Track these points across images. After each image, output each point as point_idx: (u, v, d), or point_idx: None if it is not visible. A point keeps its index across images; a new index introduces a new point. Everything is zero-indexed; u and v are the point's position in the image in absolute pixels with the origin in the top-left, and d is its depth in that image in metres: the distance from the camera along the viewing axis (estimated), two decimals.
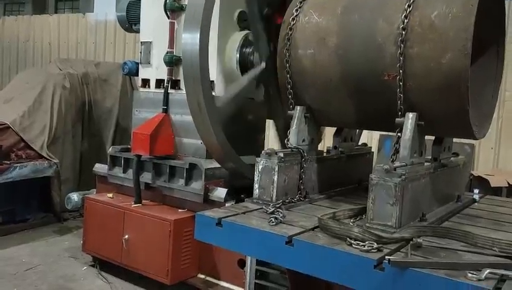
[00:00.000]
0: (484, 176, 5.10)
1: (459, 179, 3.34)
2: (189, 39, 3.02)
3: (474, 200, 3.41)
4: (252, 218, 2.55)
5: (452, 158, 3.21)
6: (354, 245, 2.08)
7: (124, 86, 6.60)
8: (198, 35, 2.96)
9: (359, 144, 3.84)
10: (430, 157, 2.94)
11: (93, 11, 9.31)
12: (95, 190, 4.62)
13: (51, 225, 5.75)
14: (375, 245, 2.06)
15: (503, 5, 2.92)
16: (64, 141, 5.94)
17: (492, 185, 4.94)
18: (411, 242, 2.16)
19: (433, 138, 2.97)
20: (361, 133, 3.81)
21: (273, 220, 2.42)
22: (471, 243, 2.23)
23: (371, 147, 4.02)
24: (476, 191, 3.67)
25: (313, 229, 2.37)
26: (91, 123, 6.40)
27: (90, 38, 8.80)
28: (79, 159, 6.20)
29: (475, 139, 2.81)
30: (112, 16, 8.35)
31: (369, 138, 5.78)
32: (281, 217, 2.48)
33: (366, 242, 2.08)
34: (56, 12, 18.32)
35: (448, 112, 2.57)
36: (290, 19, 3.02)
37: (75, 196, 4.69)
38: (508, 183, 5.00)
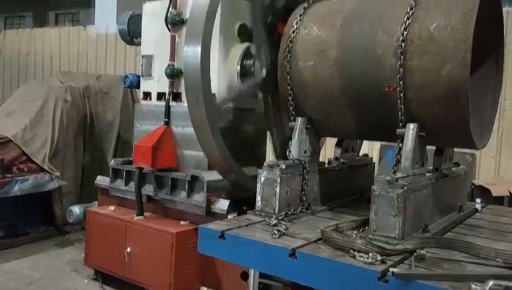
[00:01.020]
0: (486, 186, 5.10)
1: (460, 189, 3.34)
2: (191, 52, 3.04)
3: (476, 210, 3.41)
4: (255, 230, 2.55)
5: (453, 168, 3.22)
6: (357, 257, 2.08)
7: (125, 99, 6.63)
8: (200, 48, 2.99)
9: (360, 154, 3.85)
10: (431, 167, 2.96)
11: (93, 24, 9.36)
12: (96, 202, 4.62)
13: (53, 238, 5.74)
14: (379, 257, 2.06)
15: (502, 15, 2.95)
16: (65, 153, 5.95)
17: (494, 195, 4.94)
18: (414, 254, 2.16)
19: (434, 147, 2.98)
20: (361, 143, 3.82)
21: (276, 232, 2.42)
22: (474, 254, 2.23)
23: (372, 158, 4.03)
24: (478, 200, 3.68)
25: (316, 241, 2.37)
26: (92, 136, 6.42)
27: (91, 51, 8.86)
28: (80, 171, 6.21)
29: (476, 149, 2.82)
30: (112, 29, 8.40)
31: (370, 148, 5.79)
32: (284, 229, 2.49)
33: (370, 254, 2.08)
34: (56, 25, 18.46)
35: (449, 122, 2.58)
36: (291, 32, 3.06)
37: (76, 209, 4.69)
38: (510, 192, 4.99)
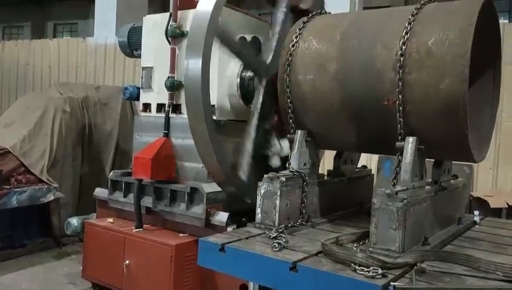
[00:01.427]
0: (483, 197, 5.13)
1: (459, 202, 3.36)
2: (192, 65, 3.06)
3: (475, 223, 3.43)
4: (255, 243, 2.56)
5: (452, 181, 3.23)
6: (358, 271, 2.09)
7: (124, 110, 6.64)
8: (201, 61, 3.01)
9: (359, 166, 3.87)
10: (430, 180, 2.97)
11: (92, 35, 9.39)
12: (94, 214, 4.60)
13: (50, 250, 5.70)
14: (380, 271, 2.06)
15: (499, 29, 2.99)
16: (64, 164, 5.94)
17: (492, 206, 4.96)
18: (415, 267, 2.16)
19: (432, 159, 3.00)
20: (360, 155, 3.84)
21: (276, 245, 2.43)
22: (475, 267, 2.24)
23: (371, 169, 4.04)
24: (476, 213, 3.69)
25: (316, 254, 2.38)
26: (91, 146, 6.41)
27: (90, 62, 8.89)
28: (78, 182, 6.20)
29: (474, 162, 2.84)
30: (111, 40, 8.45)
31: (368, 159, 5.81)
32: (284, 242, 2.49)
33: (371, 268, 2.09)
34: (55, 36, 18.53)
35: (448, 136, 2.61)
36: (290, 45, 3.09)
37: (74, 221, 4.66)
38: (508, 204, 5.01)
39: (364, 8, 6.87)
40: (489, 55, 3.04)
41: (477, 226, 3.37)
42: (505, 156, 5.59)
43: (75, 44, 9.18)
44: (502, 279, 2.09)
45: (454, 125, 2.54)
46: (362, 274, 2.06)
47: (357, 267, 2.11)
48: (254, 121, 3.34)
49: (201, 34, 3.06)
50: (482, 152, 2.90)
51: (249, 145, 3.27)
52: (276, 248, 2.40)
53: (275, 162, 3.56)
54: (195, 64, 3.06)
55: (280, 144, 3.57)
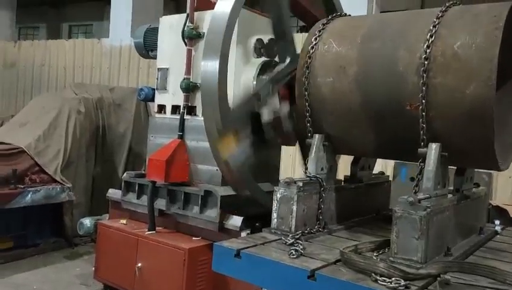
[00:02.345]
0: (503, 206, 4.99)
1: (481, 211, 3.27)
2: (209, 66, 3.02)
3: (497, 232, 3.33)
4: (271, 249, 2.49)
5: (474, 189, 3.14)
6: (379, 281, 2.01)
7: (138, 111, 6.64)
8: (218, 62, 2.97)
9: (374, 172, 3.79)
10: (451, 188, 2.89)
11: (106, 36, 9.44)
12: (107, 215, 4.58)
13: (62, 250, 5.70)
14: (402, 282, 1.99)
15: None
16: (77, 165, 5.95)
17: (511, 216, 4.82)
18: (439, 279, 2.08)
19: (453, 167, 2.91)
20: (376, 161, 3.76)
21: (293, 252, 2.36)
22: (500, 280, 2.15)
23: (388, 176, 3.96)
24: (497, 222, 3.59)
25: (335, 262, 2.31)
26: (104, 147, 6.41)
27: (104, 63, 8.92)
28: (91, 183, 6.20)
29: (499, 170, 2.74)
30: (126, 42, 8.48)
31: (384, 165, 5.71)
32: (301, 249, 2.42)
33: (393, 279, 2.01)
34: (70, 37, 18.72)
35: (473, 143, 2.52)
36: (309, 47, 3.03)
37: (87, 221, 4.64)
38: None
39: (382, 13, 6.78)
40: None
41: (498, 236, 3.26)
42: None
43: (90, 45, 9.22)
44: None
45: (479, 132, 2.45)
46: (384, 285, 1.98)
47: (378, 277, 2.04)
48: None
49: (220, 35, 3.02)
50: (507, 160, 2.80)
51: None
52: (293, 255, 2.34)
53: (265, 116, 3.41)
54: (212, 66, 3.02)
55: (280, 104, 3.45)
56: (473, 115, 2.42)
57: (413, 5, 11.42)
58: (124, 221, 4.12)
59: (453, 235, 2.64)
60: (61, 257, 5.51)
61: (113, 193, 4.41)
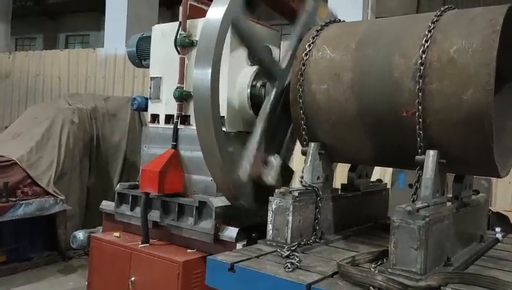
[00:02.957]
0: (503, 213, 4.92)
1: (481, 218, 3.20)
2: (201, 75, 2.96)
3: (498, 240, 3.26)
4: (266, 262, 2.42)
5: (473, 196, 3.08)
6: None
7: (133, 121, 6.58)
8: (210, 70, 2.91)
9: (372, 179, 3.72)
10: (450, 195, 2.82)
11: (103, 46, 9.42)
12: (101, 227, 4.49)
13: (56, 263, 5.60)
14: None
15: None
16: (71, 176, 5.87)
17: None
18: None
19: (452, 174, 2.85)
20: (373, 168, 3.70)
21: (289, 265, 2.29)
22: None
23: (386, 183, 3.90)
24: (498, 229, 3.52)
25: (332, 275, 2.24)
26: (99, 158, 6.34)
27: (99, 73, 8.87)
28: (85, 194, 6.12)
29: (499, 177, 2.68)
30: (121, 51, 8.44)
31: (382, 172, 5.65)
32: (297, 261, 2.35)
33: None
34: (67, 48, 18.70)
35: (471, 149, 2.46)
36: (303, 54, 2.98)
37: (80, 235, 4.54)
38: None
39: (377, 18, 6.76)
40: (511, 64, 2.89)
41: (500, 244, 3.20)
42: None
43: (85, 55, 9.18)
44: None
45: (478, 138, 2.40)
46: None
47: None
48: (260, 124, 3.24)
49: (212, 42, 2.96)
50: (506, 166, 2.75)
51: (252, 146, 3.16)
52: (288, 268, 2.27)
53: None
54: (204, 74, 2.95)
55: None
56: (471, 121, 2.37)
57: (409, 11, 11.45)
58: (117, 234, 4.03)
59: (452, 244, 2.57)
60: (54, 271, 5.42)
61: (107, 205, 4.32)
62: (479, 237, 3.07)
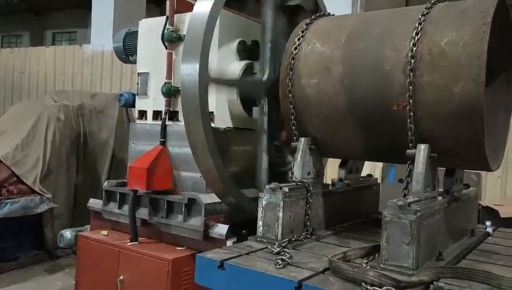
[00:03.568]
0: (493, 206, 4.94)
1: (471, 212, 3.19)
2: (189, 69, 2.91)
3: (488, 234, 3.26)
4: (256, 259, 2.38)
5: (464, 190, 3.07)
6: None
7: (121, 117, 6.49)
8: (198, 65, 2.85)
9: (362, 174, 3.70)
10: (441, 189, 2.80)
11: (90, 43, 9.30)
12: (89, 226, 4.42)
13: (43, 263, 5.51)
14: None
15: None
16: (57, 174, 5.77)
17: (502, 216, 4.77)
18: (432, 286, 1.98)
19: (443, 168, 2.83)
20: (364, 163, 3.68)
21: (279, 262, 2.25)
22: (495, 285, 2.07)
23: (376, 179, 3.88)
24: (488, 223, 3.53)
25: (323, 271, 2.20)
26: (86, 155, 6.24)
27: (86, 70, 8.75)
28: (73, 192, 6.02)
29: (490, 171, 2.67)
30: (108, 47, 8.32)
31: (372, 167, 5.64)
32: (288, 258, 2.31)
33: (384, 288, 1.91)
34: (54, 45, 18.44)
35: (462, 142, 2.44)
36: (293, 48, 2.93)
37: (68, 233, 4.46)
38: None
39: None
40: (502, 57, 2.87)
41: (490, 238, 3.19)
42: None
43: (72, 51, 9.05)
44: None
45: (469, 131, 2.38)
46: None
47: (368, 286, 1.94)
48: (264, 142, 3.30)
49: (199, 36, 2.90)
50: (497, 160, 2.73)
51: (263, 166, 3.22)
52: (279, 264, 2.23)
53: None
54: (192, 69, 2.90)
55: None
56: (462, 114, 2.34)
57: (398, 6, 11.44)
58: (105, 232, 3.96)
59: (444, 238, 2.55)
60: (41, 270, 5.33)
61: (94, 203, 4.25)
62: (470, 231, 3.06)
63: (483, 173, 5.31)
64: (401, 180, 5.65)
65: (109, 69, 8.45)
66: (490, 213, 4.93)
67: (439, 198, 2.66)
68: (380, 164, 5.73)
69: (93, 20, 9.17)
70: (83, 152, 6.19)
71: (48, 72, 9.20)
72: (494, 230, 3.36)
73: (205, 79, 2.93)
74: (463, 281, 2.12)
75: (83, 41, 15.42)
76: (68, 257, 5.68)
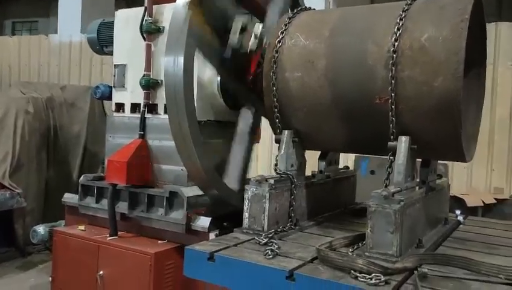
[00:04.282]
0: (460, 196, 5.17)
1: (444, 201, 3.33)
2: (173, 62, 2.88)
3: (459, 222, 3.41)
4: (244, 251, 2.41)
5: (437, 180, 3.20)
6: (359, 278, 1.98)
7: (93, 110, 6.34)
8: (183, 57, 2.83)
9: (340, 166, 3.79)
10: (417, 180, 2.91)
11: (53, 33, 8.99)
12: (63, 221, 4.32)
13: (14, 260, 5.34)
14: (382, 277, 1.96)
15: (485, 27, 2.96)
16: (28, 168, 5.59)
17: (468, 205, 5.00)
18: (417, 272, 2.08)
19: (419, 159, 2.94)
20: (339, 155, 3.76)
21: (269, 252, 2.29)
22: (475, 270, 2.18)
23: (353, 170, 3.98)
24: (458, 212, 3.69)
25: (311, 261, 2.26)
26: (57, 149, 6.07)
27: (53, 61, 8.47)
28: (44, 188, 5.85)
29: (465, 161, 2.79)
30: (77, 38, 8.10)
31: (345, 159, 5.76)
32: (277, 248, 2.36)
33: (372, 275, 1.98)
34: (14, 34, 17.70)
35: (441, 135, 2.55)
36: (276, 41, 2.96)
37: (41, 229, 4.36)
38: (483, 202, 5.07)
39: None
40: (475, 52, 3.00)
41: (462, 226, 3.35)
42: (479, 155, 5.65)
43: (37, 42, 8.74)
44: (505, 282, 2.03)
45: (447, 124, 2.48)
46: (364, 282, 1.95)
47: (357, 274, 2.01)
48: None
49: (183, 26, 2.88)
50: (470, 151, 2.86)
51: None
52: (269, 255, 2.27)
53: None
54: (176, 62, 2.87)
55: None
56: (442, 108, 2.44)
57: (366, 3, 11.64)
58: (82, 227, 3.89)
59: (423, 227, 2.67)
60: (13, 267, 5.17)
61: (69, 198, 4.15)
62: (444, 220, 3.20)
63: (449, 163, 5.53)
64: (372, 172, 5.81)
65: (78, 61, 8.22)
66: (457, 202, 5.16)
67: (417, 188, 2.77)
68: (352, 156, 5.86)
69: (60, 9, 8.88)
70: (53, 146, 6.02)
71: (12, 63, 8.84)
72: (464, 218, 3.52)
73: (190, 70, 2.91)
74: (444, 267, 2.23)
75: (45, 31, 14.87)
76: (40, 253, 5.53)
